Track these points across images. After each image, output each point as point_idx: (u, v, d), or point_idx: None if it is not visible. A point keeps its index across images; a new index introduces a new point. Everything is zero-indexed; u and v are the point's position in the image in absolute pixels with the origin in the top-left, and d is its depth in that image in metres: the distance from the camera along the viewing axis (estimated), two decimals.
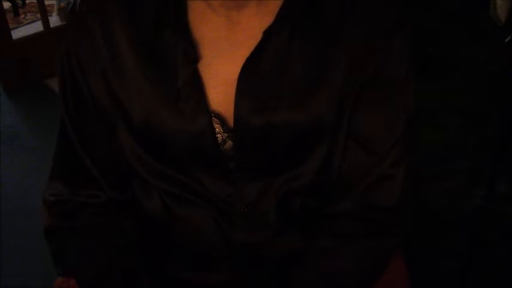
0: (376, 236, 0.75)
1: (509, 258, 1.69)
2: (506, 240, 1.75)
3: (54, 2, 3.39)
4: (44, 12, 2.61)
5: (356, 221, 0.74)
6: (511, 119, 1.69)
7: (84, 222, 0.75)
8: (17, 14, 3.49)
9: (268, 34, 0.65)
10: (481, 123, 2.25)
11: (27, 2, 3.61)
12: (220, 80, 0.68)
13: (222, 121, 0.69)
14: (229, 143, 0.70)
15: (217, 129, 0.70)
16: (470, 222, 1.77)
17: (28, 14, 3.52)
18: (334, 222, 0.75)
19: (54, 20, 3.24)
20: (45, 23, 2.63)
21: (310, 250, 0.75)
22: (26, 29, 3.21)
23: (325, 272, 0.74)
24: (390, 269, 0.82)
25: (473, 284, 1.62)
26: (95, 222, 0.75)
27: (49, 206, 0.77)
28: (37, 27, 2.86)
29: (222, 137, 0.70)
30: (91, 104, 0.72)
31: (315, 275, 0.74)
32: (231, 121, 0.69)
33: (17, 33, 2.83)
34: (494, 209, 1.77)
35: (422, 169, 0.74)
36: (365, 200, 0.74)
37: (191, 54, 0.67)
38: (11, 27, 2.66)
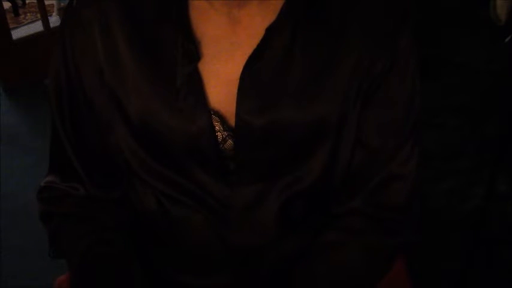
0: (384, 232, 0.75)
1: (509, 258, 1.69)
2: (506, 240, 1.75)
3: (54, 2, 3.39)
4: (44, 12, 2.61)
5: (364, 218, 0.74)
6: (511, 119, 1.69)
7: (72, 208, 0.77)
8: (17, 14, 3.50)
9: (270, 32, 0.65)
10: (481, 123, 2.25)
11: (27, 2, 3.61)
12: (220, 79, 0.68)
13: (222, 119, 0.69)
14: (230, 142, 0.70)
15: (217, 128, 0.69)
16: (470, 222, 1.77)
17: (28, 14, 3.53)
18: (341, 219, 0.75)
19: (54, 20, 3.24)
20: (45, 23, 2.63)
21: (317, 243, 0.75)
22: (26, 29, 3.22)
23: (333, 264, 0.74)
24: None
25: (473, 284, 1.62)
26: (82, 208, 0.77)
27: (39, 191, 0.79)
28: (37, 27, 2.87)
29: (222, 135, 0.70)
30: (85, 102, 0.72)
31: (323, 266, 0.74)
32: (231, 120, 0.69)
33: (17, 33, 2.84)
34: (494, 209, 1.77)
35: (422, 169, 0.74)
36: (374, 199, 0.74)
37: (192, 52, 0.67)
38: (11, 27, 2.66)
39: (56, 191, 0.77)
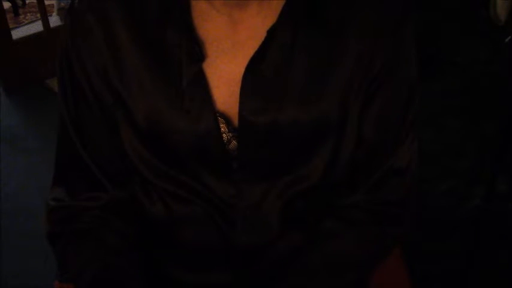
0: (381, 223, 0.76)
1: (509, 258, 1.69)
2: (506, 240, 1.75)
3: (54, 2, 3.39)
4: (44, 12, 2.61)
5: (363, 211, 0.75)
6: (511, 119, 1.69)
7: (82, 225, 0.75)
8: (17, 14, 3.50)
9: (271, 32, 0.65)
10: (481, 123, 2.25)
11: (27, 2, 3.61)
12: (223, 79, 0.68)
13: (227, 120, 0.69)
14: (234, 143, 0.70)
15: (222, 129, 0.70)
16: (470, 222, 1.77)
17: (28, 14, 3.53)
18: (341, 210, 0.76)
19: (54, 20, 3.24)
20: (45, 23, 2.63)
21: (315, 233, 0.76)
22: (26, 29, 3.22)
23: (328, 253, 0.75)
24: (390, 268, 0.83)
25: (473, 284, 1.62)
26: (93, 224, 0.75)
27: (49, 212, 0.77)
28: (37, 27, 2.86)
29: (227, 136, 0.70)
30: (92, 102, 0.72)
31: (318, 255, 0.75)
32: (235, 120, 0.69)
33: (17, 33, 2.83)
34: (494, 209, 1.77)
35: (423, 169, 0.74)
36: (375, 194, 0.75)
37: (197, 52, 0.67)
38: (11, 27, 2.66)
39: (68, 209, 0.76)
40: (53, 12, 3.39)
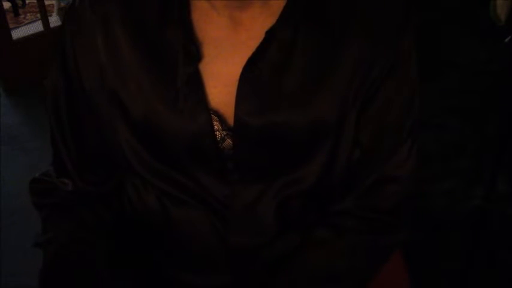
0: (373, 232, 0.75)
1: (509, 258, 1.69)
2: (506, 240, 1.75)
3: (54, 2, 3.39)
4: (44, 12, 2.61)
5: (355, 218, 0.75)
6: (511, 119, 1.69)
7: (57, 200, 0.78)
8: (17, 14, 3.49)
9: (270, 34, 0.65)
10: (481, 123, 2.25)
11: (27, 2, 3.61)
12: (221, 80, 0.68)
13: (221, 119, 0.69)
14: (228, 141, 0.70)
15: (216, 127, 0.69)
16: (470, 222, 1.77)
17: (28, 14, 3.52)
18: (332, 217, 0.76)
19: (54, 20, 3.24)
20: (45, 23, 2.63)
21: (305, 240, 0.76)
22: (26, 29, 3.22)
23: (316, 260, 0.74)
24: (390, 269, 0.82)
25: (473, 284, 1.62)
26: (64, 201, 0.78)
27: (31, 182, 0.80)
28: (37, 27, 2.86)
29: (220, 134, 0.70)
30: (83, 103, 0.72)
31: (306, 262, 0.74)
32: (230, 119, 0.69)
33: (17, 33, 2.83)
34: (494, 209, 1.77)
35: (422, 169, 0.74)
36: (367, 201, 0.74)
37: (193, 53, 0.67)
38: (11, 27, 2.66)
39: (47, 183, 0.79)
40: (53, 12, 3.39)
